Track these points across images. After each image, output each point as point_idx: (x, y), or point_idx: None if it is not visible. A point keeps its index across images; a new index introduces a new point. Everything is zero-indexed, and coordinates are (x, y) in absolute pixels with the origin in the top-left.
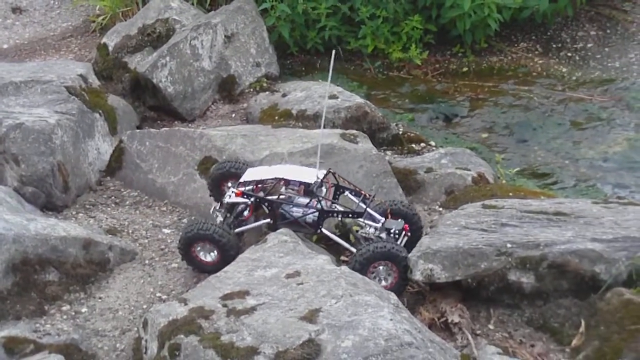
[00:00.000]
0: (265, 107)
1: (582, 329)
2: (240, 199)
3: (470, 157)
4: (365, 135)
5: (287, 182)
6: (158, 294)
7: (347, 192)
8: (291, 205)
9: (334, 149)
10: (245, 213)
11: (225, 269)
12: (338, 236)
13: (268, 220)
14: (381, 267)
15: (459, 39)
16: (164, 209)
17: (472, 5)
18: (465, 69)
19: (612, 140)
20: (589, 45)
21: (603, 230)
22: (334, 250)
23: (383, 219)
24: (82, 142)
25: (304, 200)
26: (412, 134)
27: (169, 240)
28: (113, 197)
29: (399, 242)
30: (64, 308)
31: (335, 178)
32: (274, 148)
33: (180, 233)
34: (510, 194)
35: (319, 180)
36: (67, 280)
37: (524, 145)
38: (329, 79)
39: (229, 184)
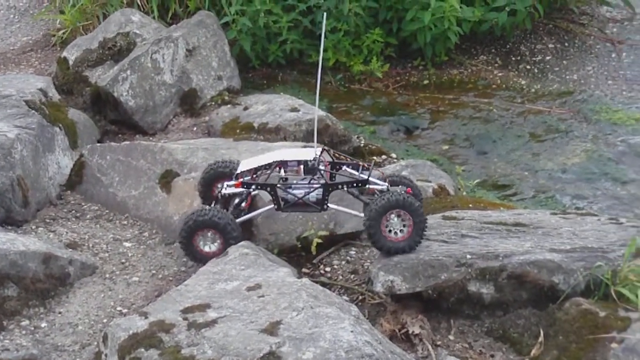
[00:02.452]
0: (227, 121)
1: (540, 338)
2: (236, 190)
3: (431, 169)
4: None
5: (285, 165)
6: (119, 308)
7: (344, 167)
8: (293, 187)
9: None
10: (243, 204)
11: (186, 282)
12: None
13: (272, 206)
14: (395, 219)
15: (420, 52)
16: (125, 222)
17: (432, 19)
18: (425, 82)
19: (570, 151)
20: (548, 58)
21: (561, 241)
22: (295, 262)
23: (387, 184)
24: (42, 156)
25: (306, 179)
26: (373, 147)
27: (129, 254)
28: (73, 211)
29: None
30: (23, 323)
31: (330, 156)
32: None
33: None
34: (471, 205)
35: (318, 156)
36: (27, 295)
37: (484, 157)
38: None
39: (219, 185)
